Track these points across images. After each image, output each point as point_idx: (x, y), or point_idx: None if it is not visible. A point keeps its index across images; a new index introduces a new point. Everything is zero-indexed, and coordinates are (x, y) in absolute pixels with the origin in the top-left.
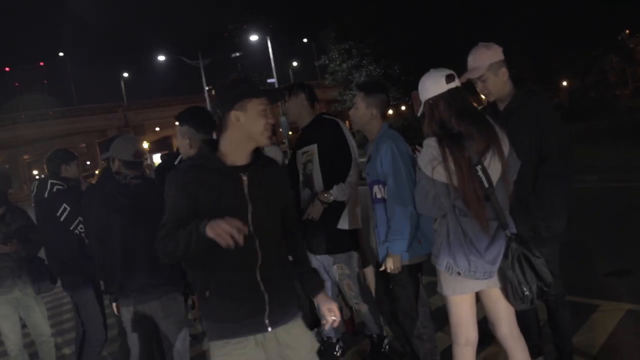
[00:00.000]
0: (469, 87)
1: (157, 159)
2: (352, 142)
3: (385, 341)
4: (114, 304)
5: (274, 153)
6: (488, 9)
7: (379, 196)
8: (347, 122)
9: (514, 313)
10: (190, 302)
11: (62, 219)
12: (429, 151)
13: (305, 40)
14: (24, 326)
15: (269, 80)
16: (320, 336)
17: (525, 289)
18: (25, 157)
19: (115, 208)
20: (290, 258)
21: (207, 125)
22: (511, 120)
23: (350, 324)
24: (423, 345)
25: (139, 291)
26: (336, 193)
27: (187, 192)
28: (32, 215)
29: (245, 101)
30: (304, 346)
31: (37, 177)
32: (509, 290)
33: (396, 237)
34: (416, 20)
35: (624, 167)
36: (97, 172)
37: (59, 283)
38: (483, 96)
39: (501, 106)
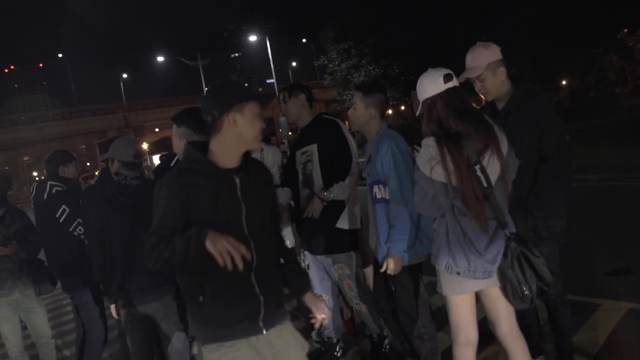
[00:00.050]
0: (468, 87)
1: (156, 160)
2: (352, 142)
3: (386, 341)
4: (112, 307)
5: (274, 153)
6: (488, 9)
7: (379, 196)
8: (346, 122)
9: (514, 312)
10: None
11: (61, 220)
12: (428, 151)
13: (304, 40)
14: (24, 328)
15: (268, 81)
16: (320, 336)
17: (524, 288)
18: (25, 158)
19: (115, 208)
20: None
21: (205, 126)
22: (510, 119)
23: (351, 324)
24: (424, 345)
25: (139, 291)
26: (336, 192)
27: (182, 196)
28: (32, 217)
29: (243, 103)
30: (295, 347)
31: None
32: (509, 290)
33: (399, 237)
34: (416, 20)
35: (624, 166)
36: (97, 173)
37: (59, 285)
38: (482, 96)
39: (499, 105)
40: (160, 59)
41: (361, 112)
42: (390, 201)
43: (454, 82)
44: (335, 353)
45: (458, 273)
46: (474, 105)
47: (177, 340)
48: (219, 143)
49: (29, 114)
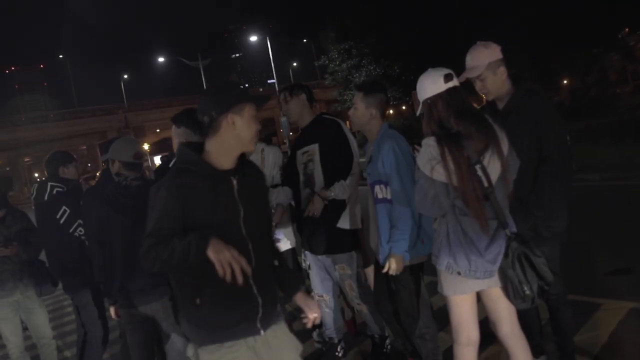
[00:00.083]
0: (468, 87)
1: (157, 160)
2: (353, 142)
3: (387, 341)
4: (111, 308)
5: (274, 154)
6: (488, 9)
7: (380, 196)
8: (347, 122)
9: (515, 312)
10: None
11: (61, 221)
12: (428, 150)
13: (305, 40)
14: (25, 329)
15: (269, 81)
16: (322, 337)
17: (525, 288)
18: (26, 159)
19: (116, 209)
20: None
21: (201, 127)
22: (510, 119)
23: (352, 325)
24: (425, 345)
25: (139, 292)
26: (337, 190)
27: (180, 196)
28: (33, 218)
29: (242, 105)
30: (290, 348)
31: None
32: (510, 290)
33: (401, 236)
34: (416, 20)
35: (625, 166)
36: (98, 174)
37: (60, 285)
38: (483, 95)
39: (500, 105)
40: (160, 59)
41: (362, 112)
42: (393, 201)
43: (454, 82)
44: (337, 353)
45: (459, 273)
46: (475, 105)
47: (177, 340)
48: (216, 144)
49: (29, 115)
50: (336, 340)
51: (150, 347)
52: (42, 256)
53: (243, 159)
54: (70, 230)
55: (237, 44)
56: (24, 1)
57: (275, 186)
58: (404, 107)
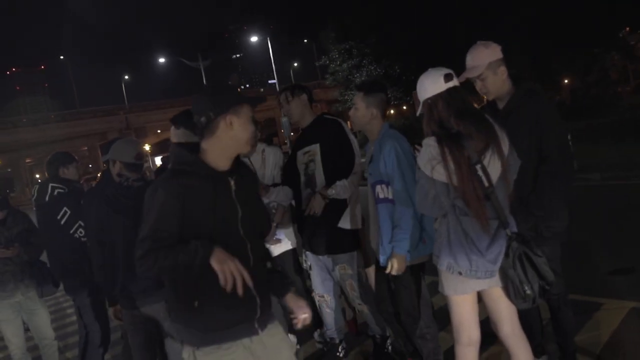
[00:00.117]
0: (468, 86)
1: (158, 161)
2: (354, 142)
3: (388, 341)
4: (110, 309)
5: (275, 154)
6: (488, 9)
7: (381, 196)
8: (347, 122)
9: (516, 312)
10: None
11: (62, 222)
12: (428, 150)
13: (305, 40)
14: (27, 330)
15: (270, 81)
16: (323, 337)
17: (526, 287)
18: (27, 160)
19: (117, 210)
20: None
21: (197, 127)
22: (511, 119)
23: (353, 325)
24: (426, 344)
25: (142, 293)
26: (338, 189)
27: (180, 196)
28: (34, 219)
29: (240, 106)
30: (285, 348)
31: (39, 180)
32: (511, 290)
33: (403, 236)
34: (416, 20)
35: (626, 165)
36: (99, 175)
37: (61, 286)
38: (483, 95)
39: (500, 105)
40: (161, 59)
41: (362, 112)
42: (395, 201)
43: (454, 82)
44: (338, 353)
45: (460, 273)
46: (475, 104)
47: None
48: (213, 145)
49: (30, 116)
50: (337, 341)
51: (152, 348)
52: (44, 257)
53: (238, 159)
54: (71, 231)
55: (237, 45)
56: (24, 2)
57: (275, 185)
58: (404, 107)
